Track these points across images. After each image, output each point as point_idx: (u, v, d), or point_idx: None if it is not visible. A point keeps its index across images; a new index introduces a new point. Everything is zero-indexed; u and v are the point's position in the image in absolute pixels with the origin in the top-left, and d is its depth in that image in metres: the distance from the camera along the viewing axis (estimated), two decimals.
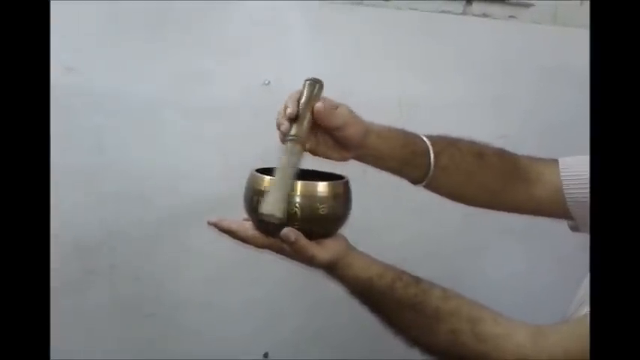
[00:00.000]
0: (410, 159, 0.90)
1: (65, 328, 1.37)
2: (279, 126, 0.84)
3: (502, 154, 0.98)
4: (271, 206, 0.75)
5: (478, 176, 0.95)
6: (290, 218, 0.77)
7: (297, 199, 0.78)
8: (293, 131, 0.81)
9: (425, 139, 0.92)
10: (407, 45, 1.53)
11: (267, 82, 1.45)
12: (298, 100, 0.83)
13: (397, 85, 1.52)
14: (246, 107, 1.44)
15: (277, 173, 0.78)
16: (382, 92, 1.49)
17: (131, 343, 1.44)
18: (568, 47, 1.56)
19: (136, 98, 1.39)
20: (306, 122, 0.82)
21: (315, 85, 0.83)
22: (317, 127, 0.83)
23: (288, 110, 0.82)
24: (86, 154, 1.38)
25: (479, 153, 0.96)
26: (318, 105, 0.81)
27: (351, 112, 0.85)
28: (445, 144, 0.93)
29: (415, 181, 0.94)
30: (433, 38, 1.54)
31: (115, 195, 1.40)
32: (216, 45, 1.42)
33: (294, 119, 0.82)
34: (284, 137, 0.82)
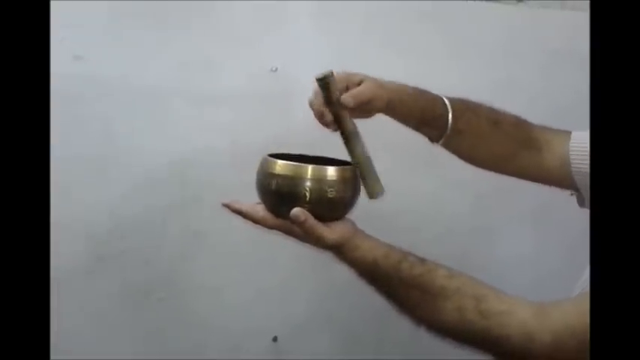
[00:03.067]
0: (428, 121, 0.95)
1: (76, 313, 1.39)
2: (327, 125, 0.89)
3: (518, 123, 1.02)
4: (378, 186, 0.87)
5: (491, 142, 0.99)
6: (300, 200, 0.81)
7: (308, 183, 0.81)
8: (346, 127, 0.87)
9: (446, 101, 0.96)
10: (413, 30, 1.52)
11: (274, 68, 1.45)
12: (326, 101, 0.86)
13: (404, 71, 1.51)
14: (254, 94, 1.44)
15: (363, 164, 0.87)
16: (388, 78, 1.48)
17: (141, 328, 1.45)
18: (575, 31, 1.55)
19: (144, 86, 1.39)
20: (346, 114, 0.87)
21: (325, 80, 0.86)
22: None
23: (325, 119, 0.87)
24: (95, 143, 1.39)
25: (495, 120, 1.00)
26: (347, 100, 0.85)
27: (375, 85, 0.89)
28: (464, 108, 0.97)
29: (432, 140, 0.98)
30: (440, 23, 1.53)
31: (124, 182, 1.41)
32: (223, 32, 1.43)
33: (334, 119, 0.87)
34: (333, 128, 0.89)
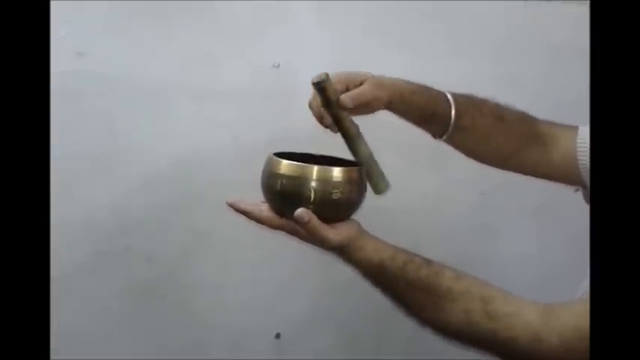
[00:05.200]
0: (430, 118, 0.95)
1: (78, 311, 1.39)
2: (327, 127, 0.90)
3: (523, 119, 1.01)
4: (383, 185, 0.89)
5: (496, 139, 0.99)
6: (304, 201, 0.80)
7: (313, 183, 0.80)
8: (345, 128, 0.88)
9: (449, 98, 0.95)
10: (415, 27, 1.51)
11: (276, 65, 1.44)
12: (324, 103, 0.87)
13: (406, 67, 1.50)
14: (256, 90, 1.43)
15: (367, 163, 0.88)
16: (391, 74, 1.47)
17: (143, 326, 1.45)
18: (577, 25, 1.54)
19: (146, 82, 1.39)
20: (345, 115, 0.87)
21: (322, 83, 0.86)
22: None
23: (324, 121, 0.88)
24: (97, 140, 1.38)
25: (500, 116, 0.99)
26: (346, 101, 0.86)
27: (375, 85, 0.89)
28: (468, 105, 0.97)
29: (435, 136, 0.98)
30: (441, 20, 1.53)
31: (126, 179, 1.40)
32: (226, 29, 1.42)
33: (335, 120, 0.87)
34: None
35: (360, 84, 0.89)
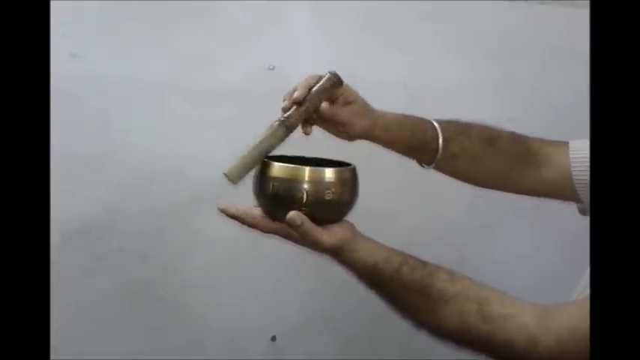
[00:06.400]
0: (417, 146, 0.94)
1: (74, 311, 1.39)
2: (283, 100, 0.87)
3: (513, 139, 1.00)
4: (230, 168, 0.82)
5: (487, 161, 0.98)
6: (297, 203, 0.79)
7: (305, 185, 0.80)
8: (287, 113, 0.85)
9: (436, 125, 0.94)
10: (413, 28, 1.51)
11: (271, 66, 1.44)
12: (310, 88, 0.86)
13: (403, 68, 1.51)
14: (251, 92, 1.43)
15: (253, 145, 0.84)
16: (387, 75, 1.48)
17: (139, 327, 1.45)
18: (576, 26, 1.55)
19: (140, 84, 1.39)
20: (303, 110, 0.85)
21: (333, 80, 0.86)
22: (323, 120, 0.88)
23: (296, 94, 0.85)
24: (93, 141, 1.38)
25: (489, 138, 0.98)
26: (325, 107, 0.86)
27: (358, 111, 0.89)
28: (456, 130, 0.96)
29: (422, 164, 0.97)
30: (440, 21, 1.53)
31: (121, 180, 1.40)
32: (221, 30, 1.42)
33: (297, 103, 0.85)
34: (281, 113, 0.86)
35: (347, 101, 0.89)
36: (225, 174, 0.82)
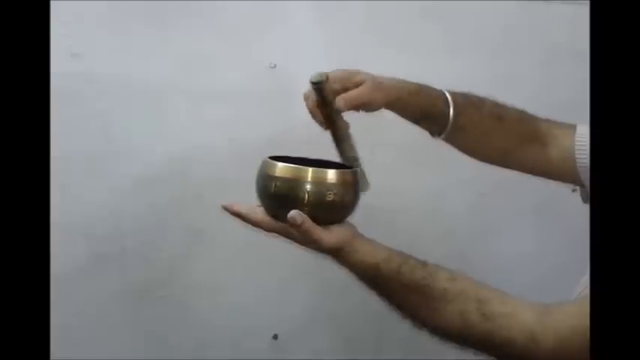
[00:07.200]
0: (429, 117, 0.95)
1: (76, 311, 1.39)
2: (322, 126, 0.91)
3: (522, 118, 1.02)
4: (363, 186, 0.86)
5: (495, 137, 0.99)
6: (299, 203, 0.80)
7: (307, 185, 0.80)
8: (336, 129, 0.88)
9: (448, 97, 0.96)
10: (412, 26, 1.51)
11: (272, 65, 1.44)
12: (318, 105, 0.88)
13: (403, 67, 1.50)
14: (252, 91, 1.43)
15: (351, 162, 0.89)
16: (388, 74, 1.47)
17: (141, 327, 1.45)
18: (575, 25, 1.54)
19: (141, 83, 1.39)
20: (339, 117, 0.88)
21: (322, 84, 0.87)
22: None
23: (316, 120, 0.89)
24: (93, 140, 1.38)
25: (499, 116, 0.99)
26: (340, 104, 0.87)
27: (372, 87, 0.90)
28: (467, 104, 0.97)
29: (433, 134, 0.98)
30: (439, 19, 1.52)
31: (123, 180, 1.40)
32: (222, 29, 1.42)
33: (326, 121, 0.88)
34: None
35: (358, 84, 0.89)
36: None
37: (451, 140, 0.99)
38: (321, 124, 0.90)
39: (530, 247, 1.61)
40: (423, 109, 0.94)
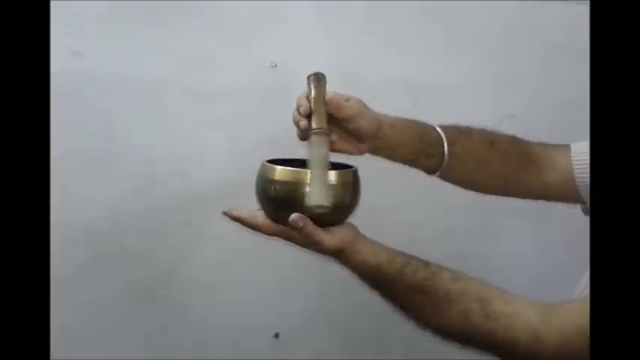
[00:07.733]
0: (425, 148, 0.92)
1: (76, 311, 1.39)
2: (297, 123, 0.86)
3: (514, 141, 1.00)
4: (317, 197, 0.78)
5: (491, 164, 0.97)
6: (299, 206, 0.79)
7: (307, 188, 0.80)
8: (314, 125, 0.83)
9: (438, 128, 0.93)
10: (413, 25, 1.51)
11: (273, 64, 1.44)
12: (308, 97, 0.85)
13: (404, 67, 1.51)
14: (254, 90, 1.43)
15: (313, 167, 0.80)
16: (389, 74, 1.48)
17: (142, 326, 1.45)
18: (576, 25, 1.55)
19: (142, 82, 1.39)
20: (322, 114, 0.84)
21: (318, 77, 0.86)
22: (331, 120, 0.85)
23: (302, 108, 0.85)
24: (94, 139, 1.38)
25: (491, 140, 0.97)
26: (330, 94, 0.84)
27: (362, 103, 0.88)
28: (457, 132, 0.95)
29: (430, 171, 0.95)
30: (439, 19, 1.52)
31: (123, 179, 1.40)
32: (223, 28, 1.42)
33: (309, 115, 0.84)
34: (305, 133, 0.84)
35: (347, 100, 0.87)
36: (318, 205, 0.77)
37: (449, 172, 0.95)
38: (301, 117, 0.86)
39: (528, 246, 1.61)
40: (419, 137, 0.91)
